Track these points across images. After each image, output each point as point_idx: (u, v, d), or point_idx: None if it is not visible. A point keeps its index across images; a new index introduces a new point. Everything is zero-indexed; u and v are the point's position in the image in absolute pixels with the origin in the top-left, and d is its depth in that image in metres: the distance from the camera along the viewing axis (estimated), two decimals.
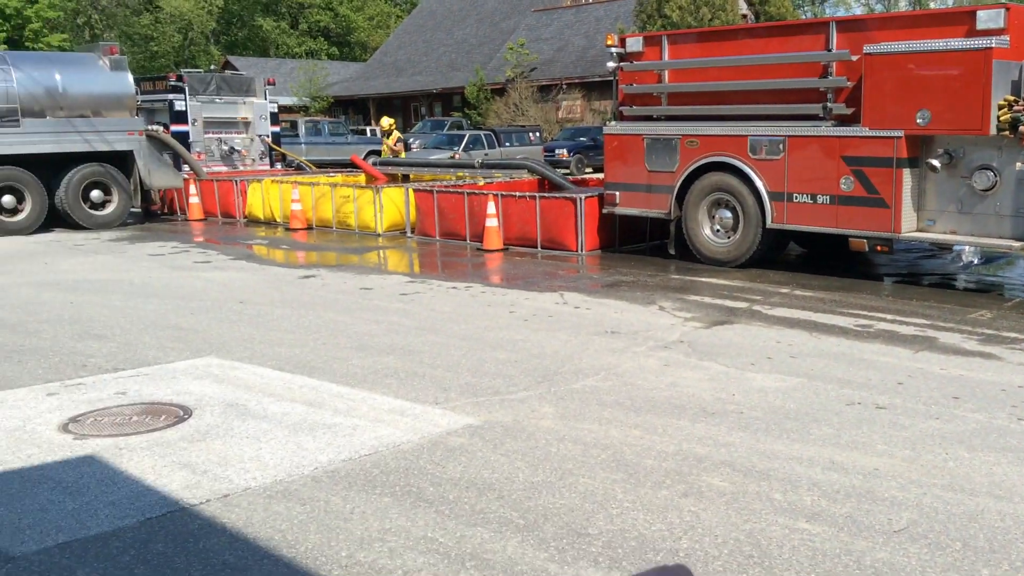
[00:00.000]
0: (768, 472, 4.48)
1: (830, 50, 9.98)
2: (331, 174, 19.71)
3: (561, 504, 4.12)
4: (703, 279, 10.25)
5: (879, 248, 9.79)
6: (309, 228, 15.73)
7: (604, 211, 12.18)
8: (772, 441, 4.92)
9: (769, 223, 10.41)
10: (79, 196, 16.00)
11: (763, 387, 5.95)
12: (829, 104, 9.99)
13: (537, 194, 13.12)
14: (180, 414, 5.50)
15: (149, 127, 17.63)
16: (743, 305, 8.73)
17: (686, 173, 11.10)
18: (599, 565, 3.55)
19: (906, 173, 9.35)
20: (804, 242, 12.14)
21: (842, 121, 9.90)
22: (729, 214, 10.88)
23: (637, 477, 4.43)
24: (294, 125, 31.70)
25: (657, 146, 11.36)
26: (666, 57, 11.39)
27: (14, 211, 15.40)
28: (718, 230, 11.05)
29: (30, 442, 5.03)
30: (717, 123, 10.90)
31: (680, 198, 11.23)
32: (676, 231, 11.46)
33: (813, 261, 11.55)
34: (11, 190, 15.31)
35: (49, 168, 15.70)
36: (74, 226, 16.02)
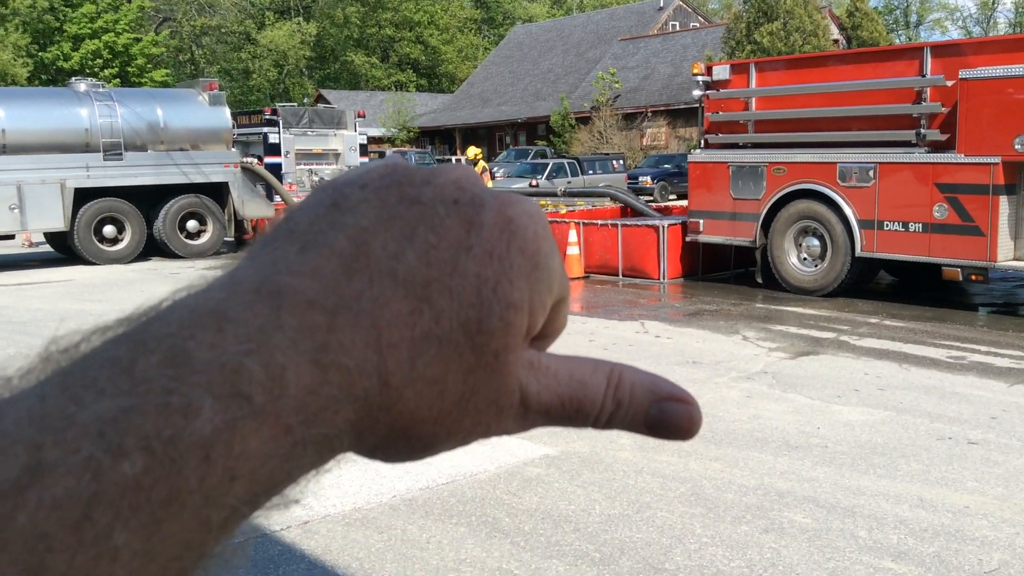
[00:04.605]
0: (853, 509, 4.34)
1: (924, 75, 9.74)
2: None
3: (638, 538, 4.07)
4: (789, 308, 10.04)
5: (973, 277, 9.46)
6: None
7: (687, 239, 12.07)
8: (858, 477, 4.78)
9: (858, 251, 10.16)
10: (176, 226, 16.59)
11: (849, 420, 5.79)
12: (923, 130, 9.73)
13: (619, 221, 13.09)
14: None
15: (243, 159, 18.22)
16: (830, 335, 8.52)
17: (772, 201, 10.93)
18: None
19: (1003, 200, 9.03)
20: (895, 271, 11.80)
21: (936, 148, 9.63)
22: (816, 242, 10.66)
23: (716, 512, 4.35)
24: (382, 156, 32.36)
25: (743, 174, 11.22)
26: (753, 84, 11.28)
27: (114, 240, 16.06)
28: (805, 258, 10.83)
29: None
30: (805, 150, 10.72)
31: (766, 226, 11.06)
32: (761, 259, 11.29)
33: (904, 290, 11.21)
34: (112, 220, 15.98)
35: (148, 199, 16.34)
36: (170, 255, 16.60)
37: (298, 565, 3.88)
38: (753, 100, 11.32)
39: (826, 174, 10.41)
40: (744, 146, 11.42)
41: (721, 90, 11.59)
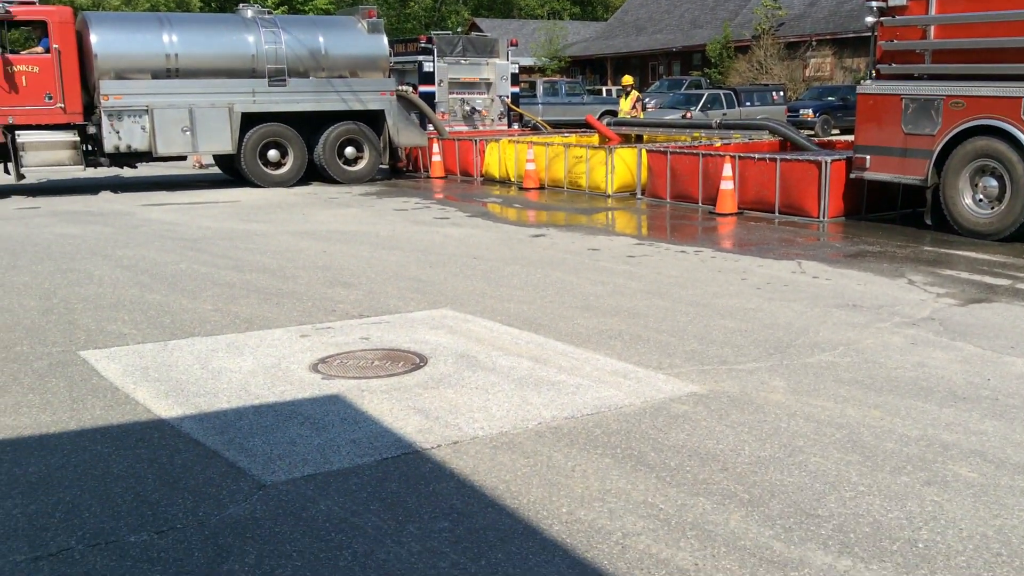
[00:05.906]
0: None
1: None
2: (566, 134, 19.87)
3: (789, 482, 3.96)
4: (960, 252, 9.46)
5: None
6: (541, 188, 15.96)
7: (852, 175, 11.50)
8: None
9: None
10: (335, 152, 17.08)
11: (1023, 373, 5.43)
12: None
13: (778, 156, 12.59)
14: (417, 361, 5.78)
15: (400, 87, 18.49)
16: (1005, 282, 7.98)
17: (948, 137, 10.25)
18: (828, 549, 3.38)
19: None
20: None
21: None
22: (995, 183, 9.96)
23: (875, 460, 4.18)
24: (532, 86, 32.15)
25: (917, 107, 10.55)
26: (933, 11, 10.51)
27: (278, 164, 16.71)
28: (981, 200, 10.15)
29: (284, 379, 5.46)
30: (987, 83, 9.96)
31: (939, 164, 10.40)
32: (933, 199, 10.65)
33: None
34: (276, 145, 16.60)
35: (309, 125, 16.86)
36: (329, 180, 17.14)
37: (448, 483, 3.98)
38: (932, 28, 10.56)
39: (1010, 110, 9.66)
40: (920, 77, 10.70)
41: (897, 16, 10.87)
